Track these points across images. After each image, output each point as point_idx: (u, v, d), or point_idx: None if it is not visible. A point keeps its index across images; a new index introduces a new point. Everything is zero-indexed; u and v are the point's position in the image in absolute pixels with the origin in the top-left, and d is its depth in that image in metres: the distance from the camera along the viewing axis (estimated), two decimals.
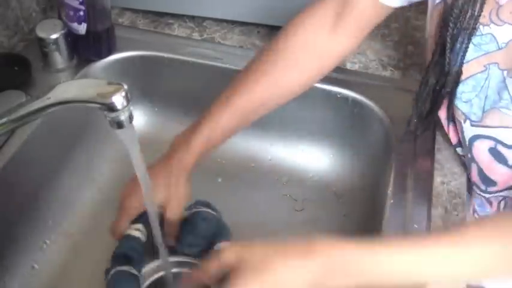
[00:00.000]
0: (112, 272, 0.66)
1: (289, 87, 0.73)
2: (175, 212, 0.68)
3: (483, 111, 0.63)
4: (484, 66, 0.61)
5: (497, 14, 0.59)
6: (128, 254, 0.67)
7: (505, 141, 0.63)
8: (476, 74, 0.62)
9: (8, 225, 0.76)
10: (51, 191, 0.83)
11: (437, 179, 0.73)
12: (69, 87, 0.54)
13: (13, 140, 0.76)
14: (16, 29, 0.90)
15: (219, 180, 0.91)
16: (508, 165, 0.65)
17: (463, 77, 0.63)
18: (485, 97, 0.62)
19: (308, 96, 0.77)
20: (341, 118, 0.89)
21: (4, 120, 0.54)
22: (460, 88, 0.64)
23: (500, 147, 0.65)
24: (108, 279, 0.66)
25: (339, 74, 0.86)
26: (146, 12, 0.99)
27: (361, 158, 0.91)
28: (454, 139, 0.73)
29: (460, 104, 0.65)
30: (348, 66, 0.91)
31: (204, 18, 0.99)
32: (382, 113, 0.85)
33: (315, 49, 0.71)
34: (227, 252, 0.52)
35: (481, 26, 0.60)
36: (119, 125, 0.53)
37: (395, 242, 0.52)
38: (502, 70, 0.60)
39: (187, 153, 0.68)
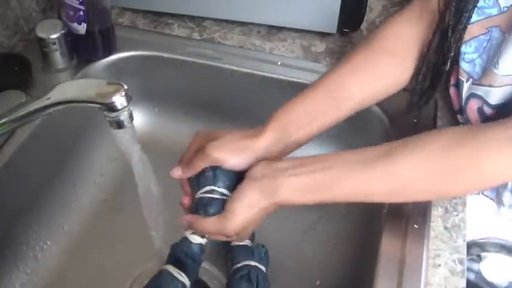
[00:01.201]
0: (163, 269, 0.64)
1: (395, 78, 0.70)
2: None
3: (483, 71, 0.65)
4: (487, 28, 0.64)
5: None
6: (183, 260, 0.64)
7: (489, 101, 0.65)
8: (479, 35, 0.64)
9: (8, 225, 0.77)
10: (51, 191, 0.83)
11: None
12: (69, 87, 0.54)
13: (13, 140, 0.76)
14: (16, 29, 0.90)
15: None
16: None
17: (465, 38, 0.64)
18: (487, 57, 0.65)
19: None
20: None
21: (4, 120, 0.54)
22: (463, 49, 0.65)
23: (485, 108, 0.66)
24: (155, 275, 0.64)
25: None
26: (146, 12, 0.99)
27: None
28: (455, 103, 0.73)
29: (463, 64, 0.66)
30: None
31: (204, 18, 0.99)
32: (382, 113, 0.85)
33: (407, 37, 0.69)
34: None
35: None
36: (119, 125, 0.53)
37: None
38: (504, 32, 0.63)
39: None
